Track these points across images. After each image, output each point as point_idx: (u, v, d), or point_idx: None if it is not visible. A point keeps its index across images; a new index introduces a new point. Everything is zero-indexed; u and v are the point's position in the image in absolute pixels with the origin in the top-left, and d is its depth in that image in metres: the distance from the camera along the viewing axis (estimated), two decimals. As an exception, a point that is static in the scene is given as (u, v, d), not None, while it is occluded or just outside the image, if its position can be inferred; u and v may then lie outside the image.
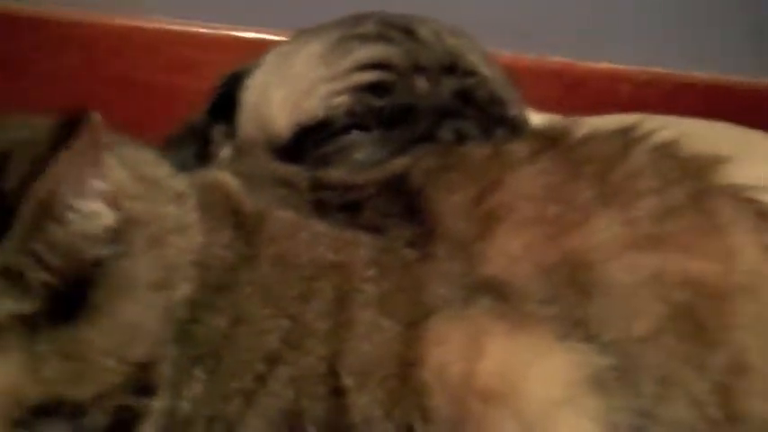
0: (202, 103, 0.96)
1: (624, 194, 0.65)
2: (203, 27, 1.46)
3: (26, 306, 0.52)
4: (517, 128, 0.86)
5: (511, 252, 0.63)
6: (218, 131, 0.93)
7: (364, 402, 0.59)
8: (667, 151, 0.69)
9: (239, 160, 0.87)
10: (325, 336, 0.62)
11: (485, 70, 0.87)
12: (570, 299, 0.61)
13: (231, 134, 0.91)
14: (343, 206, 0.70)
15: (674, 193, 0.65)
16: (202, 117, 0.93)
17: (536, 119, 1.08)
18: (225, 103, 0.92)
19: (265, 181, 0.72)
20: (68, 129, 0.51)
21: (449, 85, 0.84)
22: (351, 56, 0.84)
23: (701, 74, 1.51)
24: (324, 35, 0.88)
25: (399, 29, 0.87)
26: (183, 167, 0.83)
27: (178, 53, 1.48)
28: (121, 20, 1.47)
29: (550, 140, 0.70)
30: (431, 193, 0.67)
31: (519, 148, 0.69)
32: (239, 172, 0.72)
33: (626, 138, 0.70)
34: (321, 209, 0.69)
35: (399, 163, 0.73)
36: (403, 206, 0.68)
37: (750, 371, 0.60)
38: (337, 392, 0.60)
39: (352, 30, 0.87)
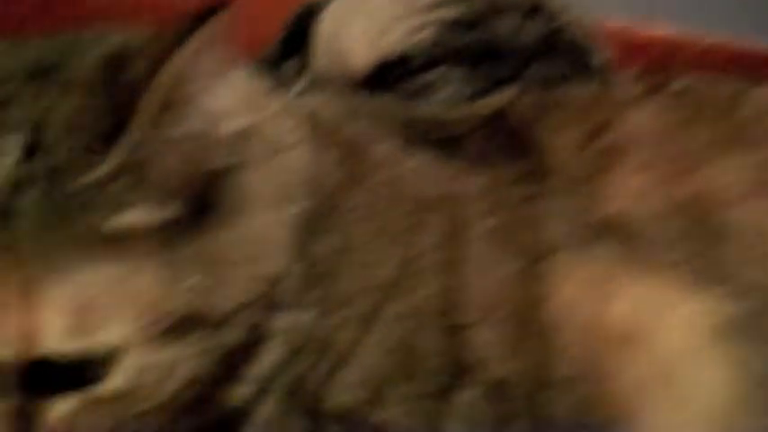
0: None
1: (748, 137, 0.63)
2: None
3: (162, 212, 0.50)
4: (603, 76, 0.83)
5: (631, 191, 0.60)
6: (290, 66, 0.89)
7: (484, 340, 0.57)
8: None
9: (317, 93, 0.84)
10: (441, 269, 0.59)
11: (567, 15, 0.83)
12: (698, 242, 0.59)
13: (303, 69, 0.88)
14: (441, 141, 0.67)
15: None
16: (274, 50, 0.90)
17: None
18: (298, 37, 0.89)
19: (356, 111, 0.68)
20: (198, 22, 0.48)
21: (534, 27, 0.81)
22: None
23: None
24: None
25: None
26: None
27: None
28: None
29: (655, 85, 0.67)
30: (538, 128, 0.65)
31: (624, 91, 0.67)
32: (331, 99, 0.68)
33: (735, 84, 0.67)
34: (418, 143, 0.66)
35: (496, 99, 0.70)
36: (507, 142, 0.65)
37: None
38: (454, 329, 0.57)
39: None
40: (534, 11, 0.83)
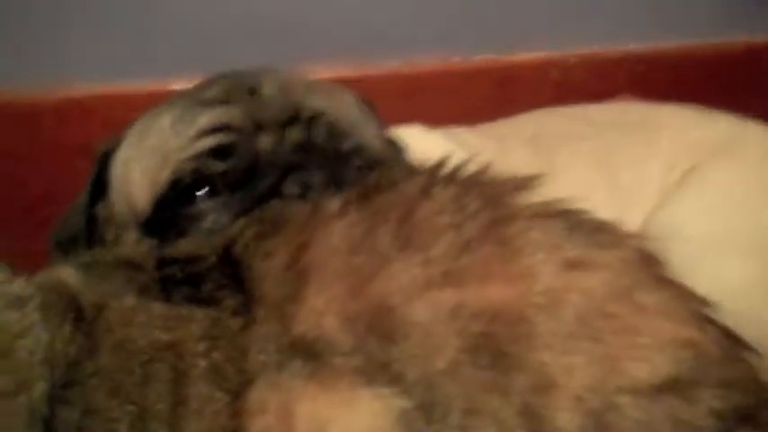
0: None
1: (422, 235, 0.72)
2: (132, 85, 1.52)
3: None
4: (366, 154, 0.93)
5: (318, 308, 0.70)
6: (100, 212, 1.00)
7: None
8: (473, 182, 0.75)
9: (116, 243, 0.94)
10: (167, 416, 0.70)
11: (324, 106, 0.94)
12: (374, 345, 0.68)
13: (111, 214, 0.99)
14: (186, 280, 0.78)
15: (472, 225, 0.71)
16: (85, 197, 1.01)
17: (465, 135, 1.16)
18: (103, 182, 1.00)
19: (111, 267, 0.79)
20: None
21: (292, 137, 0.91)
22: (195, 123, 0.91)
23: (630, 47, 1.55)
24: (174, 105, 0.95)
25: (243, 89, 0.94)
26: (75, 251, 0.92)
27: (112, 115, 1.54)
28: (54, 92, 1.52)
29: (364, 191, 0.77)
30: (250, 262, 0.75)
31: (332, 204, 0.76)
32: (83, 263, 0.80)
33: (432, 176, 0.76)
34: (167, 285, 0.78)
35: (230, 231, 0.80)
36: (232, 276, 0.75)
37: (554, 387, 0.66)
38: None
39: (197, 96, 0.94)
40: (294, 119, 0.93)
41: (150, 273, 0.79)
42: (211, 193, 0.90)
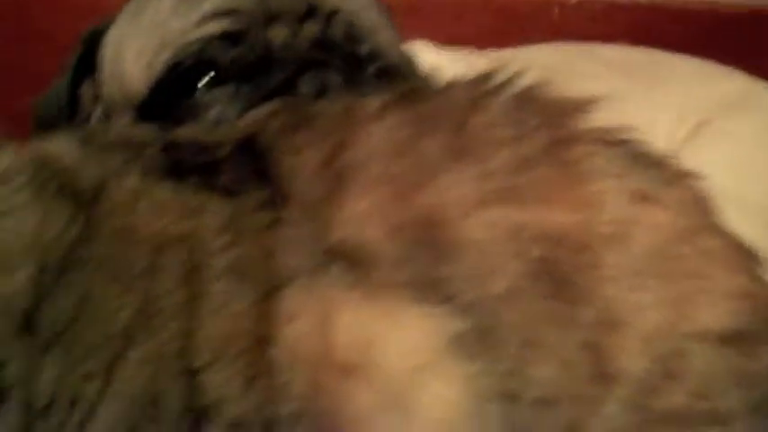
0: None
1: (477, 147, 0.65)
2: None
3: None
4: (382, 60, 0.85)
5: (360, 213, 0.63)
6: (86, 91, 0.91)
7: (217, 382, 0.61)
8: (528, 97, 0.68)
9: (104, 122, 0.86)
10: (178, 311, 0.63)
11: (342, 3, 0.86)
12: (424, 259, 0.61)
13: (98, 95, 0.90)
14: (198, 167, 0.70)
15: (531, 142, 0.65)
16: (69, 77, 0.92)
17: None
18: (90, 61, 0.91)
19: (112, 145, 0.71)
20: None
21: (308, 32, 0.83)
22: (200, 7, 0.83)
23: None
24: None
25: None
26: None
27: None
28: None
29: (403, 94, 0.70)
30: (280, 153, 0.67)
31: (370, 104, 0.69)
32: (80, 138, 0.71)
33: (483, 87, 0.69)
34: (175, 170, 0.69)
35: (251, 120, 0.72)
36: (255, 167, 0.68)
37: (622, 325, 0.60)
38: (190, 372, 0.61)
39: None
40: (310, 14, 0.85)
41: (157, 156, 0.70)
42: (216, 83, 0.81)
